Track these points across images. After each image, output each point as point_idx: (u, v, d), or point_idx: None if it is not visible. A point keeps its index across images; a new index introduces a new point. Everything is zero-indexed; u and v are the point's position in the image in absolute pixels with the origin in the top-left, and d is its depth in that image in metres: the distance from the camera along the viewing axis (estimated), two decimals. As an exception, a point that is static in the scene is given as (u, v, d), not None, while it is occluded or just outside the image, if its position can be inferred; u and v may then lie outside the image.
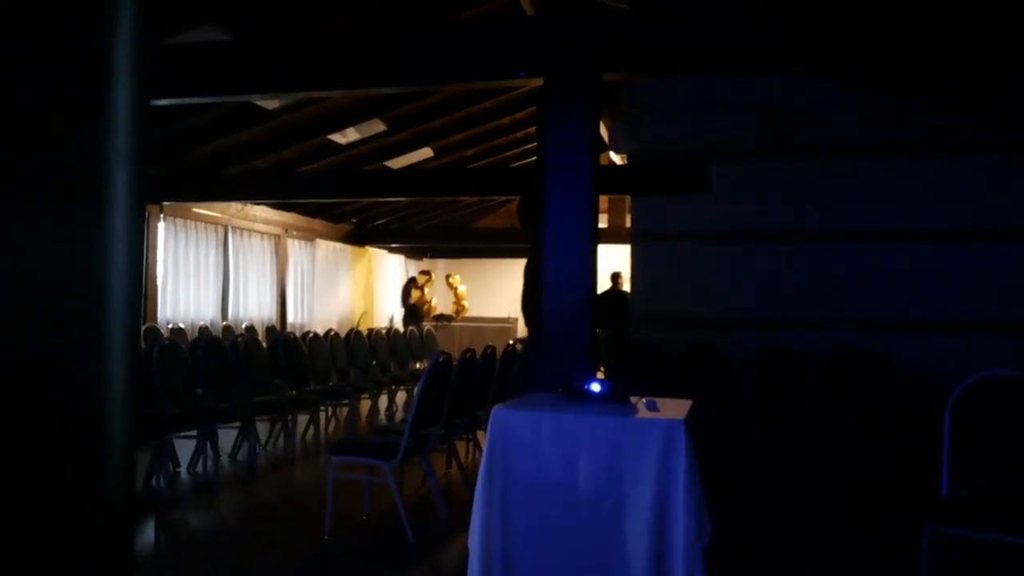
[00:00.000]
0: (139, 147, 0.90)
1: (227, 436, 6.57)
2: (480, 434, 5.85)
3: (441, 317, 16.78)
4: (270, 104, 7.80)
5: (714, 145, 6.78)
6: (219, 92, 5.32)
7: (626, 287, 9.14)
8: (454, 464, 5.90)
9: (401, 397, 9.70)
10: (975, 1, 4.09)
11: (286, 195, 10.70)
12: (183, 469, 6.02)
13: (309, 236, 14.28)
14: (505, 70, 4.49)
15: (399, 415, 9.11)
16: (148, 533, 4.65)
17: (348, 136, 9.31)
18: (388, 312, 17.51)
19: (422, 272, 17.13)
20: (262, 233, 12.90)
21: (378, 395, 9.04)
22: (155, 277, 10.26)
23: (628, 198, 10.79)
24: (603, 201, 12.58)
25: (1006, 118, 6.32)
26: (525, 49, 4.32)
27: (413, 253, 18.72)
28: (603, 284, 9.10)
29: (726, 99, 6.65)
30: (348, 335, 9.02)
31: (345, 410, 8.55)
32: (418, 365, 10.38)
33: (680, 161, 6.99)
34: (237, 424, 6.52)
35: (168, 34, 5.57)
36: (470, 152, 11.88)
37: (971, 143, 6.42)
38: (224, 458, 6.44)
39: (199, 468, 6.09)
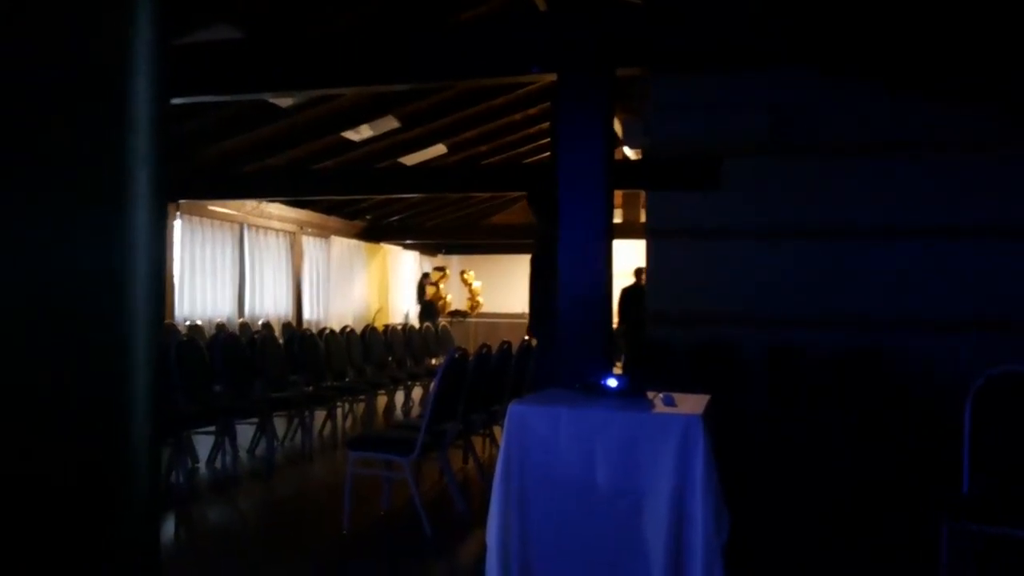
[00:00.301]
0: (160, 146, 0.90)
1: (245, 432, 6.61)
2: (497, 429, 5.86)
3: (456, 313, 16.80)
4: (284, 102, 7.83)
5: (727, 142, 6.75)
6: (233, 90, 5.34)
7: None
8: (471, 459, 5.91)
9: (417, 393, 9.72)
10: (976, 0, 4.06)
11: (301, 192, 10.74)
12: (202, 465, 6.06)
13: (324, 233, 14.32)
14: (518, 66, 4.48)
15: (415, 411, 9.13)
16: (167, 528, 4.69)
17: (362, 133, 9.33)
18: (403, 308, 17.54)
19: (436, 268, 17.16)
20: (277, 230, 12.95)
21: (394, 391, 9.06)
22: (172, 275, 10.32)
23: (642, 193, 10.78)
24: (617, 196, 12.54)
25: (1014, 116, 6.27)
26: (539, 44, 4.31)
27: (427, 249, 18.74)
28: (627, 279, 9.08)
29: (740, 96, 6.62)
30: (364, 331, 9.04)
31: (362, 406, 8.58)
32: (434, 361, 10.39)
33: (693, 158, 6.97)
34: (255, 420, 6.56)
35: (181, 33, 5.60)
36: (483, 148, 11.88)
37: (980, 141, 6.37)
38: (242, 454, 6.48)
39: (217, 464, 6.13)
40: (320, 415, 7.66)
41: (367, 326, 9.56)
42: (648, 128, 7.01)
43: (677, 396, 3.33)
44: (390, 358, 9.36)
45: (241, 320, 11.57)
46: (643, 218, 11.01)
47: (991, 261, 6.30)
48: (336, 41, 4.77)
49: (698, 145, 6.87)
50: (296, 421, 7.10)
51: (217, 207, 11.25)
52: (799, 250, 6.67)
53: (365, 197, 13.02)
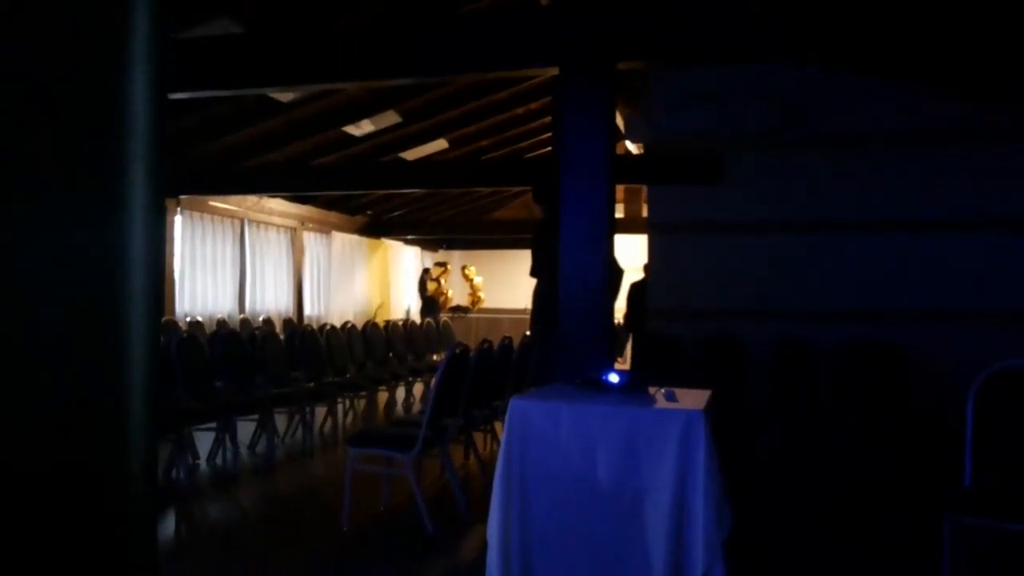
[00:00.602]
0: (158, 141, 0.89)
1: (246, 428, 6.61)
2: (498, 425, 5.86)
3: (457, 308, 16.81)
4: (285, 97, 7.81)
5: (730, 135, 6.73)
6: (234, 86, 5.32)
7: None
8: (472, 455, 5.90)
9: (418, 389, 9.72)
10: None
11: (302, 188, 10.72)
12: (202, 461, 6.05)
13: (325, 228, 14.31)
14: (519, 60, 4.46)
15: (416, 407, 9.13)
16: (168, 525, 4.68)
17: (363, 128, 9.32)
18: (404, 304, 17.55)
19: (437, 263, 17.17)
20: (278, 226, 12.94)
21: (395, 387, 9.06)
22: (172, 271, 10.32)
23: (644, 188, 10.76)
24: (619, 191, 12.53)
25: (1018, 110, 6.24)
26: (539, 38, 4.29)
27: (429, 245, 18.74)
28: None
29: (743, 89, 6.59)
30: (365, 327, 9.04)
31: (363, 402, 8.58)
32: (435, 357, 10.40)
33: (696, 152, 6.95)
34: (256, 416, 6.56)
35: (182, 27, 5.58)
36: (485, 143, 11.86)
37: (989, 133, 6.34)
38: (243, 450, 6.48)
39: (218, 460, 6.13)
40: (321, 411, 7.66)
41: (368, 322, 9.56)
42: (651, 122, 6.99)
43: (678, 391, 3.32)
44: (391, 354, 9.36)
45: (242, 316, 11.57)
46: (645, 213, 11.00)
47: (997, 255, 6.27)
48: (337, 36, 4.75)
49: (701, 139, 6.84)
50: (297, 417, 7.10)
51: (218, 203, 11.24)
52: (802, 244, 6.65)
53: (366, 192, 13.00)
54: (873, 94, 6.50)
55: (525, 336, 6.47)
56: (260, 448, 6.60)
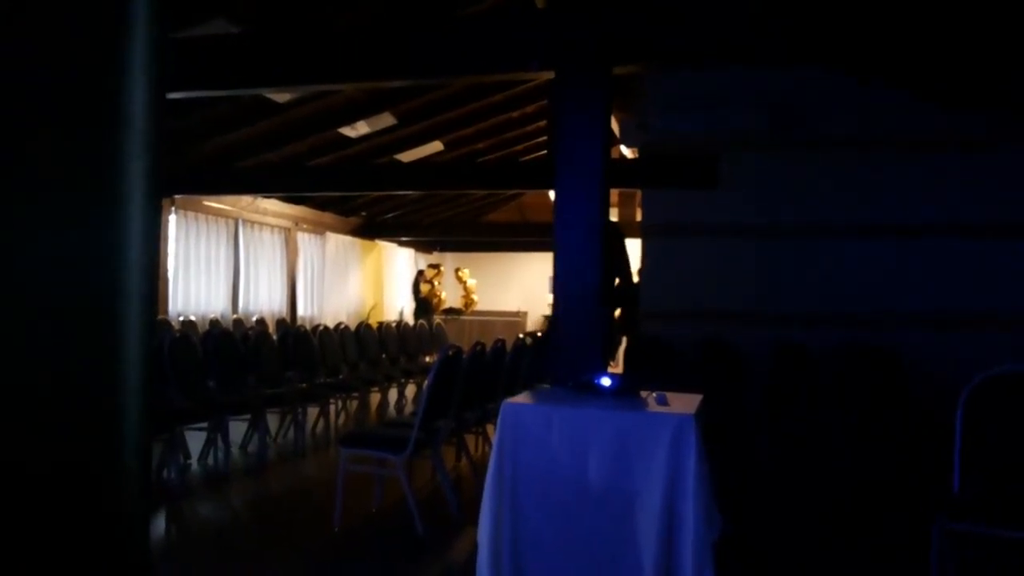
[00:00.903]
0: (155, 141, 0.90)
1: (238, 428, 6.60)
2: (490, 427, 5.86)
3: (451, 310, 16.81)
4: (281, 97, 7.81)
5: (726, 139, 6.75)
6: (229, 86, 5.32)
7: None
8: (464, 457, 5.91)
9: (411, 390, 9.72)
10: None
11: (296, 188, 10.71)
12: (194, 461, 6.04)
13: (319, 229, 14.30)
14: (515, 63, 4.47)
15: (409, 408, 9.12)
16: (159, 524, 4.67)
17: (358, 129, 9.32)
18: (398, 305, 17.54)
19: (431, 265, 17.16)
20: (272, 226, 12.93)
21: (388, 388, 9.06)
22: (166, 270, 10.30)
23: (638, 192, 10.77)
24: (613, 195, 12.55)
25: (1015, 115, 6.27)
26: (536, 41, 4.30)
27: (423, 246, 18.73)
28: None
29: (739, 93, 6.62)
30: (358, 328, 9.04)
31: (355, 403, 8.57)
32: (428, 358, 10.40)
33: (691, 155, 6.97)
34: (248, 416, 6.55)
35: (178, 27, 5.58)
36: (480, 146, 11.87)
37: (982, 139, 6.38)
38: (235, 450, 6.47)
39: (210, 460, 6.12)
40: (313, 412, 7.65)
41: (361, 323, 9.55)
42: (646, 126, 7.01)
43: (670, 395, 3.33)
44: (384, 355, 9.36)
45: (235, 316, 11.56)
46: (639, 217, 11.01)
47: (994, 259, 6.31)
48: (336, 37, 4.75)
49: (696, 143, 6.87)
50: (289, 418, 7.09)
51: (212, 202, 11.23)
52: (797, 248, 6.67)
53: (361, 194, 13.00)
54: (869, 97, 6.52)
55: (518, 338, 6.47)
56: (252, 448, 6.59)
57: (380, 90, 8.24)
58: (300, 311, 13.68)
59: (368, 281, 16.55)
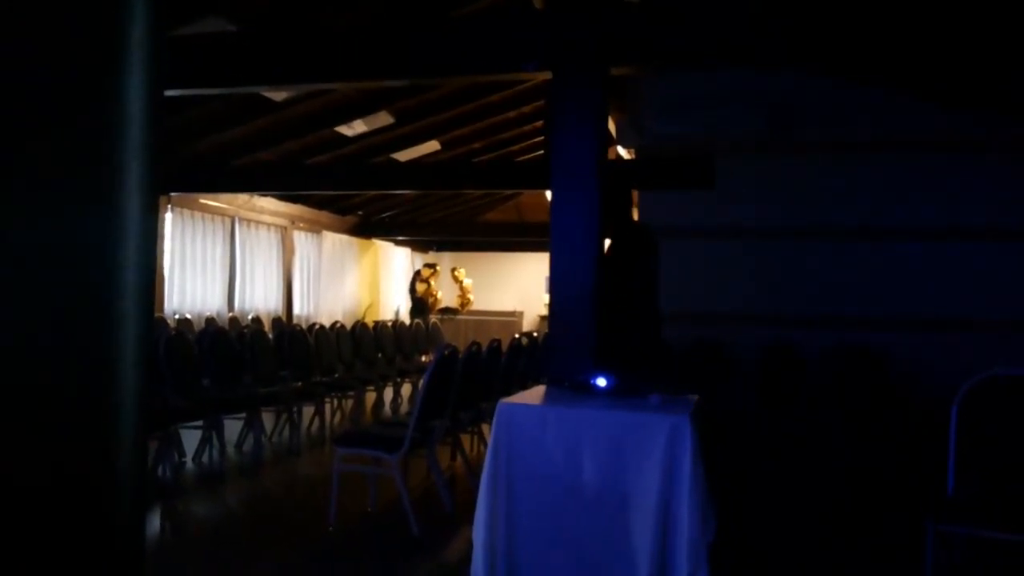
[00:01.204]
0: (153, 139, 0.90)
1: (233, 427, 6.59)
2: (485, 427, 5.86)
3: (447, 310, 16.80)
4: (278, 96, 7.80)
5: (723, 141, 6.76)
6: (226, 83, 5.31)
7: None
8: (459, 457, 5.91)
9: (406, 389, 9.71)
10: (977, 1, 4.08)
11: (293, 187, 10.70)
12: (189, 459, 6.04)
13: (316, 228, 14.29)
14: (512, 64, 4.47)
15: (404, 407, 9.12)
16: (153, 523, 4.67)
17: (355, 128, 9.31)
18: (394, 304, 17.53)
19: (427, 265, 17.15)
20: (269, 225, 12.91)
21: (383, 387, 9.06)
22: (162, 268, 10.29)
23: (635, 193, 10.77)
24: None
25: (1012, 117, 6.29)
26: (533, 42, 4.30)
27: (419, 246, 18.73)
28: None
29: (735, 95, 6.62)
30: (354, 327, 9.04)
31: (350, 402, 8.57)
32: (423, 358, 10.39)
33: (687, 157, 6.97)
34: (243, 415, 6.54)
35: (175, 25, 5.57)
36: (477, 145, 11.86)
37: (976, 142, 6.39)
38: (230, 449, 6.46)
39: (204, 459, 6.11)
40: (309, 411, 7.65)
41: (357, 322, 9.55)
42: (642, 127, 7.01)
43: (666, 397, 3.34)
44: (380, 354, 9.35)
45: (231, 314, 11.55)
46: (636, 218, 11.01)
47: (989, 263, 6.32)
48: (336, 36, 4.75)
49: (693, 144, 6.87)
50: (284, 417, 7.08)
51: (208, 200, 11.21)
52: (792, 250, 6.68)
53: (357, 192, 12.99)
54: (865, 100, 6.53)
55: (513, 338, 6.47)
56: (247, 447, 6.58)
57: (377, 89, 8.23)
58: (296, 310, 13.67)
59: (364, 280, 16.54)
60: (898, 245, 6.49)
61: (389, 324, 10.54)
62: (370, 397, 8.95)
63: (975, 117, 6.31)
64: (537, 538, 3.08)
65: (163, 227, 10.34)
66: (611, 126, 7.81)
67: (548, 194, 4.44)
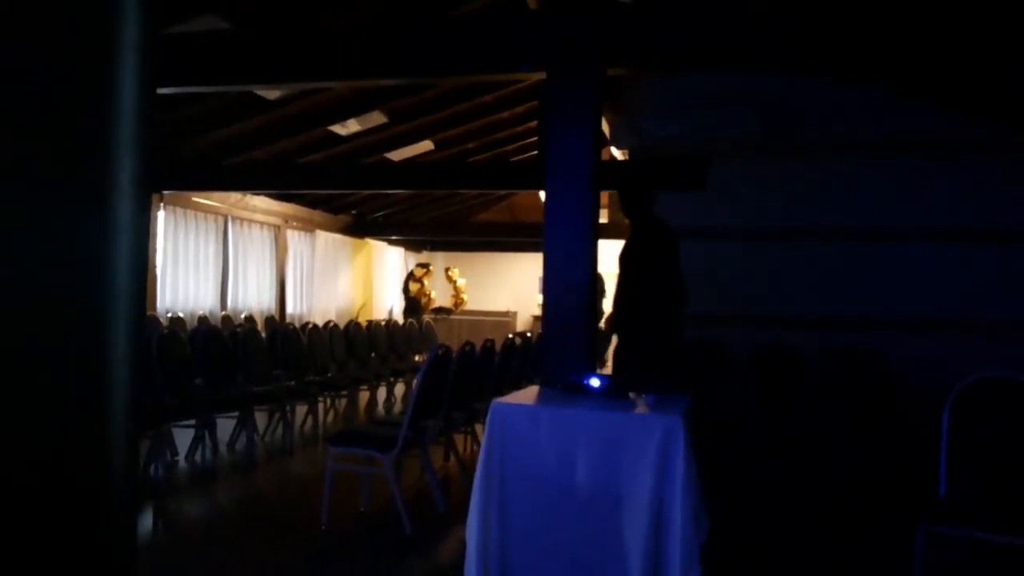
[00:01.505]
0: (145, 137, 0.90)
1: (225, 426, 6.58)
2: (478, 427, 5.86)
3: (440, 310, 16.79)
4: (271, 94, 7.78)
5: (717, 142, 6.78)
6: (220, 82, 5.30)
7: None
8: (452, 457, 5.90)
9: (400, 389, 9.70)
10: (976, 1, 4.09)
11: (286, 186, 10.68)
12: (181, 458, 6.02)
13: (309, 227, 14.27)
14: (507, 64, 4.48)
15: (397, 407, 9.11)
16: (146, 522, 4.65)
17: (349, 128, 9.30)
18: (387, 304, 17.52)
19: (420, 265, 17.14)
20: (262, 223, 12.89)
21: (377, 387, 9.05)
22: (154, 266, 10.26)
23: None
24: (603, 196, 12.56)
25: (1009, 118, 6.31)
26: (528, 43, 4.31)
27: (413, 245, 18.72)
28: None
29: (730, 96, 6.64)
30: (347, 326, 9.02)
31: (343, 401, 8.56)
32: (417, 357, 10.39)
33: (680, 158, 6.98)
34: (235, 414, 6.53)
35: (170, 23, 5.55)
36: (471, 145, 11.86)
37: (974, 143, 6.42)
38: (222, 448, 6.45)
39: (197, 457, 6.10)
40: (301, 410, 7.64)
41: (350, 321, 9.53)
42: (636, 128, 7.02)
43: (658, 397, 3.34)
44: (373, 354, 9.34)
45: (223, 313, 11.52)
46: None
47: (989, 262, 6.35)
48: (334, 35, 4.74)
49: (687, 145, 6.89)
50: (277, 416, 7.07)
51: (201, 199, 11.18)
52: (787, 251, 6.70)
53: (351, 192, 12.98)
54: (860, 102, 6.55)
55: (507, 339, 6.47)
56: (239, 446, 6.57)
57: (371, 88, 8.22)
58: (289, 309, 13.65)
59: (357, 279, 16.52)
60: (897, 246, 6.51)
61: (382, 324, 10.52)
62: (363, 396, 8.94)
63: (974, 118, 6.33)
64: (530, 538, 3.08)
65: (155, 225, 10.31)
66: (604, 127, 7.82)
67: (542, 194, 4.44)
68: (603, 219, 12.88)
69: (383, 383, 9.17)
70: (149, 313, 9.33)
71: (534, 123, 10.89)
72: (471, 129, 10.99)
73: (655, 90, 6.92)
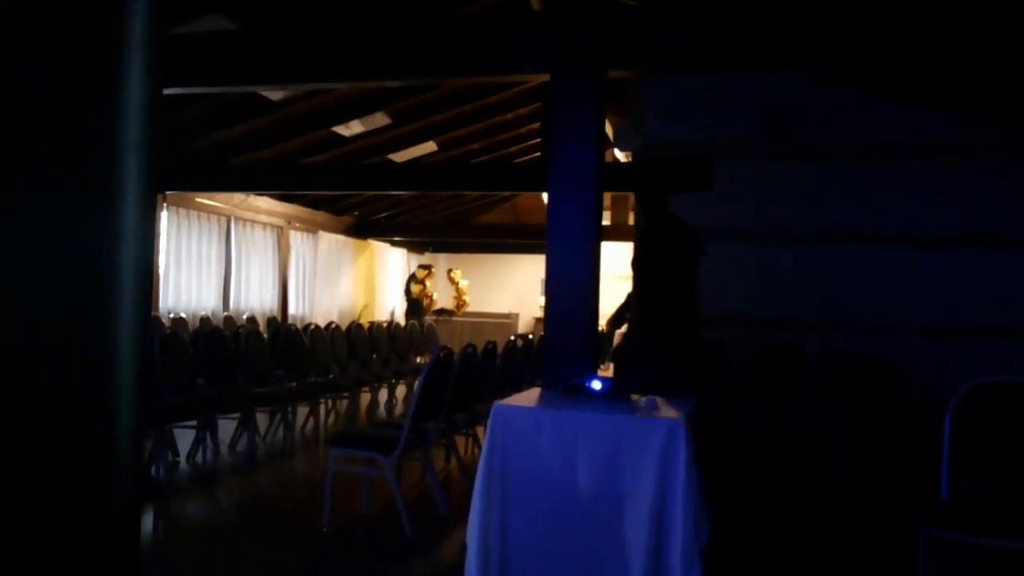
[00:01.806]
0: (151, 137, 0.90)
1: (227, 427, 6.58)
2: (480, 430, 5.85)
3: (442, 311, 16.79)
4: (275, 95, 7.79)
5: (720, 143, 6.76)
6: (224, 82, 5.31)
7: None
8: (453, 459, 5.90)
9: (401, 391, 9.70)
10: (977, 1, 4.08)
11: (289, 187, 10.70)
12: (182, 459, 6.02)
13: (311, 228, 14.28)
14: (511, 65, 4.47)
15: (399, 409, 9.11)
16: (147, 522, 4.65)
17: (352, 129, 9.30)
18: (389, 305, 17.52)
19: (422, 266, 17.14)
20: (264, 224, 12.90)
21: (378, 388, 9.05)
22: (157, 267, 10.27)
23: (631, 196, 10.79)
24: (606, 198, 12.56)
25: (1009, 119, 6.30)
26: (531, 44, 4.30)
27: (415, 247, 18.73)
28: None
29: (733, 97, 6.62)
30: (349, 328, 9.02)
31: (345, 403, 8.56)
32: (419, 359, 10.38)
33: (684, 159, 6.98)
34: (237, 415, 6.53)
35: (174, 23, 5.56)
36: (474, 147, 11.87)
37: (974, 146, 6.40)
38: (224, 449, 6.45)
39: (199, 458, 6.09)
40: (303, 411, 7.63)
41: (352, 322, 9.54)
42: (639, 130, 7.02)
43: (660, 400, 3.34)
44: (375, 355, 9.34)
45: (226, 314, 11.53)
46: (632, 220, 11.03)
47: (990, 266, 6.33)
48: (336, 36, 4.74)
49: (690, 147, 6.88)
50: (279, 417, 7.07)
51: (204, 199, 11.20)
52: (790, 253, 6.69)
53: (354, 193, 12.99)
54: (863, 105, 6.54)
55: (509, 341, 6.47)
56: (241, 447, 6.57)
57: (374, 89, 8.23)
58: (291, 310, 13.65)
59: (360, 281, 16.53)
60: (898, 248, 6.49)
61: (384, 325, 10.52)
62: (365, 398, 8.94)
63: (975, 119, 6.32)
64: (531, 541, 3.07)
65: (159, 226, 10.33)
66: (608, 129, 7.82)
67: (545, 196, 4.44)
68: (606, 221, 12.85)
69: (384, 385, 9.17)
70: (152, 313, 9.33)
71: (538, 124, 10.91)
72: (475, 131, 11.00)
73: (661, 91, 6.91)
